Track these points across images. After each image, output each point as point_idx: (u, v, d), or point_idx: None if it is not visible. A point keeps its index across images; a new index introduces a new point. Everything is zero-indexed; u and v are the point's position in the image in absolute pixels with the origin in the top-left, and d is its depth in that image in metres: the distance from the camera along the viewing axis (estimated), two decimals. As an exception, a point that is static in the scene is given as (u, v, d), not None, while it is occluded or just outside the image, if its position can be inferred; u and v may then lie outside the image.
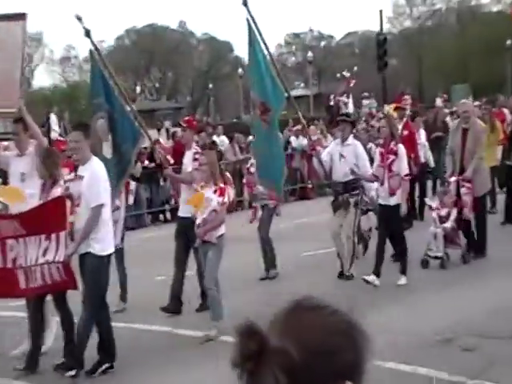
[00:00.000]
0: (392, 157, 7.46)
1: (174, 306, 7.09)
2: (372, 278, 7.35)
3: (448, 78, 48.37)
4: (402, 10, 59.14)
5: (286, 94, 7.90)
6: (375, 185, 7.90)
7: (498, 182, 11.38)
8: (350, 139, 8.08)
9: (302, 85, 68.52)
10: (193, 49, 68.05)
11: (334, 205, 7.98)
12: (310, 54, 47.86)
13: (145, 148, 15.17)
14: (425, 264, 8.14)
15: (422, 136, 11.45)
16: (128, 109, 7.10)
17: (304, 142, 16.99)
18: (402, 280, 7.52)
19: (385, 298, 6.96)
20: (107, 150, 6.70)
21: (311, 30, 68.56)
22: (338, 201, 7.92)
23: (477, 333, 5.33)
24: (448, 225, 8.14)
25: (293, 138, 17.03)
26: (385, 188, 7.50)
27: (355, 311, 1.15)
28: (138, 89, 74.99)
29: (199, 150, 7.28)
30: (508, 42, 39.88)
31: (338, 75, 24.04)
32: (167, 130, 26.39)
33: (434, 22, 59.45)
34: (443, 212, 8.21)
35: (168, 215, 14.54)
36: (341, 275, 7.95)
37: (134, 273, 8.75)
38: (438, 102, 25.06)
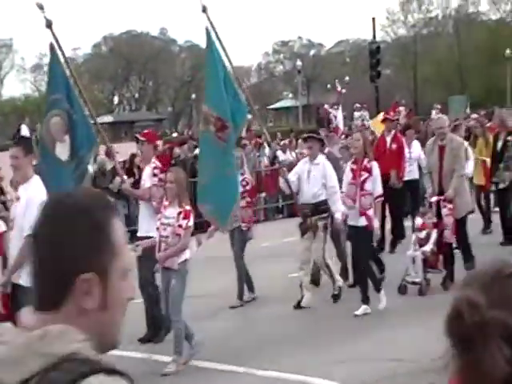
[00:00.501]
0: (365, 174, 7.30)
1: (152, 333, 7.06)
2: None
3: (445, 88, 48.93)
4: (396, 17, 59.83)
5: (248, 108, 7.61)
6: (342, 207, 7.62)
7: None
8: (319, 158, 7.87)
9: (291, 95, 68.99)
10: (175, 57, 68.35)
11: (302, 228, 7.76)
12: (298, 62, 48.14)
13: (123, 162, 15.19)
14: (403, 290, 7.87)
15: (415, 149, 11.40)
16: (87, 113, 6.99)
17: (292, 156, 17.10)
18: (361, 310, 7.26)
19: (374, 323, 6.94)
20: (62, 151, 6.57)
21: (300, 38, 69.28)
22: (306, 224, 7.70)
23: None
24: (427, 248, 7.91)
25: (279, 152, 17.11)
26: (355, 207, 7.33)
27: None
28: (116, 99, 75.18)
29: (159, 165, 7.15)
30: (507, 51, 40.43)
31: (329, 86, 24.26)
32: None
33: (429, 30, 60.19)
34: (422, 234, 8.01)
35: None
36: (298, 306, 7.69)
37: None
38: (434, 113, 25.35)
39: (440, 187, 8.17)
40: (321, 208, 7.66)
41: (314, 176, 7.69)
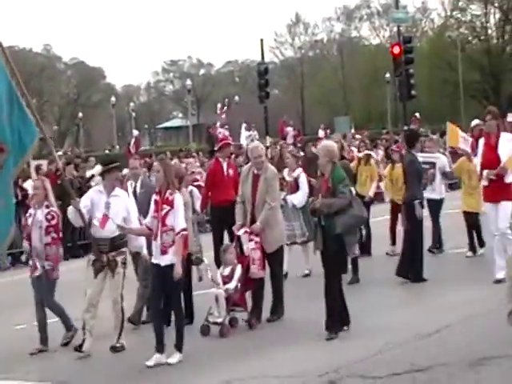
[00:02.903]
0: (167, 208, 6.51)
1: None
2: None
3: (331, 109, 50.68)
4: (284, 39, 61.43)
5: (37, 129, 6.81)
6: (141, 241, 7.07)
7: None
8: (117, 190, 7.26)
9: (181, 114, 68.87)
10: (60, 74, 66.49)
11: (97, 266, 7.05)
12: (188, 81, 48.29)
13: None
14: (205, 331, 7.28)
15: None
16: None
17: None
18: (175, 358, 6.43)
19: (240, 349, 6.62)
20: None
21: (190, 57, 69.49)
22: (102, 261, 7.02)
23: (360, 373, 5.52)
24: (231, 285, 7.39)
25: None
26: (157, 244, 6.54)
27: None
28: (-3, 116, 71.93)
29: None
30: (387, 75, 42.54)
31: (219, 105, 24.45)
32: (28, 163, 25.38)
33: (315, 53, 62.22)
34: (226, 271, 7.52)
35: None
36: (78, 349, 6.95)
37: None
38: (321, 133, 26.27)
39: (252, 218, 7.70)
40: (119, 242, 7.08)
41: (114, 209, 7.06)
